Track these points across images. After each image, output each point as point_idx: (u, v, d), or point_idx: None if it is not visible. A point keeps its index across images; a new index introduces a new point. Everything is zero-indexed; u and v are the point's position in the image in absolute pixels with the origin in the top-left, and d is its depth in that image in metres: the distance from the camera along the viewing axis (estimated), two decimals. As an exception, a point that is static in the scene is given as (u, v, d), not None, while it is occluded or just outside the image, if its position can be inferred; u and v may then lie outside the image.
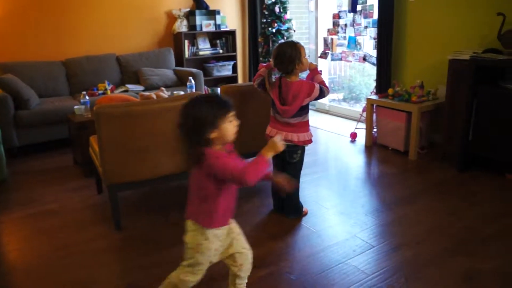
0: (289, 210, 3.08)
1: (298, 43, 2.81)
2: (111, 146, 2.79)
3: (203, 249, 1.91)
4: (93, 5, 5.69)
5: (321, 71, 2.89)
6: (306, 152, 3.02)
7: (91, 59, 5.56)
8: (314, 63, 2.95)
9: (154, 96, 4.11)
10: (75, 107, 4.14)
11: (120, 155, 2.83)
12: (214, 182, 1.77)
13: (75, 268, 2.56)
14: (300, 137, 2.87)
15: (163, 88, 4.56)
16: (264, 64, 2.97)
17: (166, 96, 4.24)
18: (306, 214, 3.12)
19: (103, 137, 2.76)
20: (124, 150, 2.82)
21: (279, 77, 2.86)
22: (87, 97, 4.22)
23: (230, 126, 1.77)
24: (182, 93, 4.49)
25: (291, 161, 2.94)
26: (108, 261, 2.65)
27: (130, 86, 5.51)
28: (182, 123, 1.74)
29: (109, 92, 5.22)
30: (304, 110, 2.84)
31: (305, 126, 2.90)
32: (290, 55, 2.74)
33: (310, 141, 2.93)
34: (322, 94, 2.82)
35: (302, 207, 3.12)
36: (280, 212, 3.14)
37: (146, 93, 4.30)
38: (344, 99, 6.89)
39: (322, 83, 2.86)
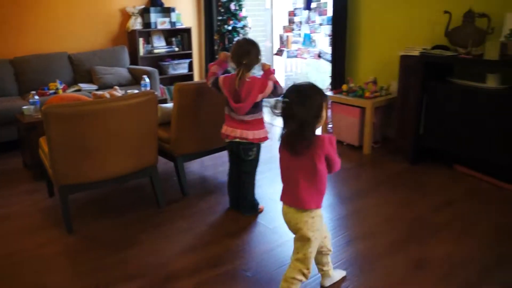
0: (245, 207, 3.08)
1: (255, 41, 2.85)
2: (61, 147, 2.70)
3: (322, 228, 2.06)
4: (44, 1, 5.49)
5: (274, 69, 2.91)
6: (262, 149, 3.03)
7: (42, 57, 5.36)
8: (267, 63, 2.96)
9: (108, 95, 4.02)
10: (24, 107, 3.99)
11: (71, 156, 2.75)
12: (324, 163, 1.94)
13: (26, 274, 2.47)
14: (256, 135, 2.87)
15: (116, 87, 4.47)
16: (214, 63, 2.95)
17: (120, 95, 4.15)
18: (262, 211, 3.13)
19: (52, 138, 2.67)
20: (75, 151, 2.74)
21: (231, 75, 2.86)
22: (36, 97, 4.07)
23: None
24: (136, 91, 4.40)
25: (246, 159, 2.94)
26: (61, 265, 2.57)
27: (83, 85, 5.36)
28: (303, 109, 1.85)
29: (60, 91, 5.05)
30: (258, 107, 2.84)
31: (260, 123, 2.90)
32: (253, 52, 2.78)
33: (265, 138, 2.93)
34: (276, 91, 2.82)
35: (258, 204, 3.13)
36: (236, 210, 3.14)
37: (99, 92, 4.20)
38: (301, 96, 6.95)
39: (276, 82, 2.86)
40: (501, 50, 3.22)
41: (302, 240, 1.99)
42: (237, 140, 2.88)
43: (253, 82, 2.78)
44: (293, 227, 2.03)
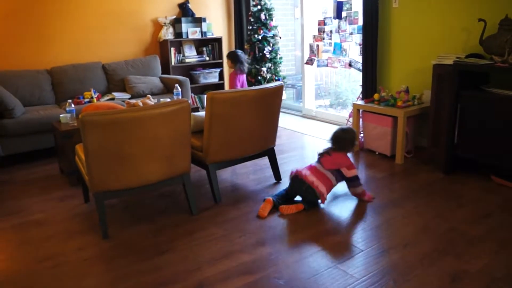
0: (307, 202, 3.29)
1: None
2: (97, 154, 2.78)
3: None
4: (79, 13, 5.67)
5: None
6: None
7: (77, 67, 5.53)
8: None
9: (141, 104, 4.10)
10: (61, 115, 4.11)
11: (106, 163, 2.81)
12: None
13: (62, 278, 2.53)
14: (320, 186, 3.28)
15: (149, 96, 4.55)
16: None
17: (153, 103, 4.22)
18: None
19: (88, 145, 2.74)
20: (111, 158, 2.81)
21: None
22: (72, 106, 4.19)
23: None
24: (168, 100, 4.47)
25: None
26: (97, 270, 2.62)
27: (116, 94, 5.49)
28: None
29: (95, 100, 5.19)
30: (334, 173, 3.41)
31: (326, 182, 3.35)
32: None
33: (323, 195, 3.31)
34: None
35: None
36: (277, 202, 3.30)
37: (133, 101, 4.28)
38: (330, 105, 6.94)
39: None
40: (540, 58, 3.15)
41: None
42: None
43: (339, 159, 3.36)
44: None
